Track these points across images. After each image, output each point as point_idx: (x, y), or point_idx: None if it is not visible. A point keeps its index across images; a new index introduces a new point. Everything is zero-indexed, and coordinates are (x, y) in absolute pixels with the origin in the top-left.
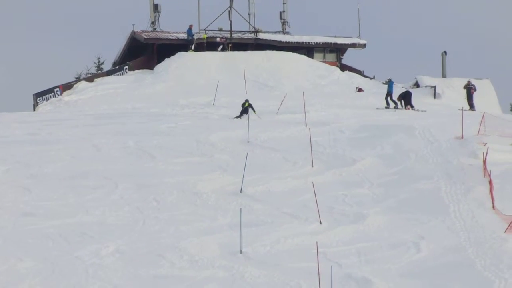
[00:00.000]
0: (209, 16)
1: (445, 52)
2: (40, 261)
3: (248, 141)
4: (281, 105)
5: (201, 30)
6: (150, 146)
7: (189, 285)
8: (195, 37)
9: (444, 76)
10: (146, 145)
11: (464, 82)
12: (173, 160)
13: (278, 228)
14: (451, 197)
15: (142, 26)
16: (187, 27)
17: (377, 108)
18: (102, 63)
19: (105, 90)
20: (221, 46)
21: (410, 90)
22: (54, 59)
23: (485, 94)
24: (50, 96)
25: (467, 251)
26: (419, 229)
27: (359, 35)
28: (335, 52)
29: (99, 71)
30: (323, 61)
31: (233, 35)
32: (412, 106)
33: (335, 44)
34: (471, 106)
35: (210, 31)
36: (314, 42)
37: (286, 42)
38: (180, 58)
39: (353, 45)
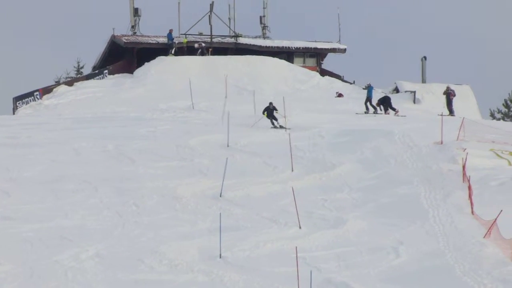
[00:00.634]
0: (189, 20)
1: (424, 57)
2: (18, 265)
3: (228, 146)
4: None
5: (181, 34)
6: (130, 150)
7: None
8: (176, 41)
9: (424, 81)
10: (126, 149)
11: (444, 87)
12: (153, 164)
13: (257, 233)
14: (431, 202)
15: (122, 30)
16: (167, 31)
17: (356, 113)
18: (82, 67)
19: (85, 94)
20: (199, 51)
21: (389, 95)
22: (33, 63)
23: (465, 100)
24: (30, 99)
25: (446, 256)
26: (398, 234)
27: (339, 40)
28: (315, 57)
29: (79, 75)
30: (303, 66)
31: (213, 40)
32: (394, 109)
33: (315, 49)
34: (451, 112)
35: (190, 36)
36: (294, 47)
37: (266, 46)
38: (160, 62)
39: (333, 50)
